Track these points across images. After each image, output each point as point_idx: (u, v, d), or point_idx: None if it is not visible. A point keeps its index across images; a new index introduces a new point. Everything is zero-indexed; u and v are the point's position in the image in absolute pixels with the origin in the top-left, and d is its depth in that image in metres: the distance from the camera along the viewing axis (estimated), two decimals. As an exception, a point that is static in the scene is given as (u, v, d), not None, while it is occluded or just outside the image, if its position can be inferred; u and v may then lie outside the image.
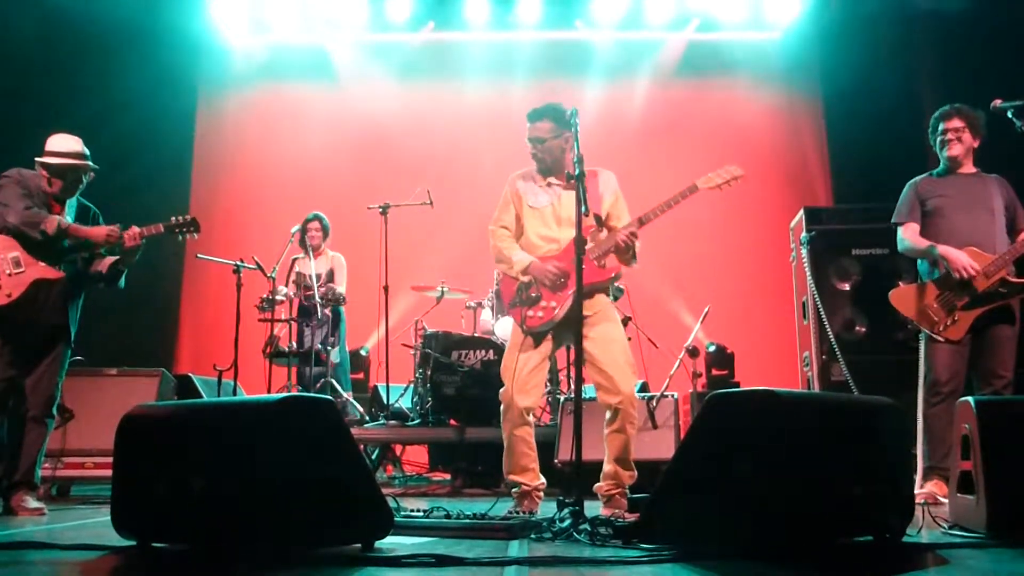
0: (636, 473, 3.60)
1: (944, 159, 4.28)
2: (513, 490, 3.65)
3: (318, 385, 6.11)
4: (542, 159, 3.71)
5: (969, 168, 4.27)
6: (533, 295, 3.58)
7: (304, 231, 6.38)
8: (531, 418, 3.61)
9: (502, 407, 3.60)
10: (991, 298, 4.02)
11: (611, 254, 3.59)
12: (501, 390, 3.62)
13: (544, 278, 3.57)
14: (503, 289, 3.83)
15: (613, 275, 3.61)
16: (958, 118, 4.23)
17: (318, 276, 6.27)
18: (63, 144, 4.05)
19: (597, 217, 3.63)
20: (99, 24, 7.06)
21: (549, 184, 3.73)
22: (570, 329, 3.52)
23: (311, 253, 6.28)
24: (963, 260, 4.00)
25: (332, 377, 6.19)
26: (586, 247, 3.55)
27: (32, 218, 3.86)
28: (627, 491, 3.60)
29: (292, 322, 6.11)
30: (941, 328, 4.07)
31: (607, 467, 3.58)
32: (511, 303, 3.67)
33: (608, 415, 3.56)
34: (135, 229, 3.98)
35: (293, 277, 6.41)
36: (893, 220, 4.34)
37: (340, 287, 6.40)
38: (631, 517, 3.24)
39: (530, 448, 3.61)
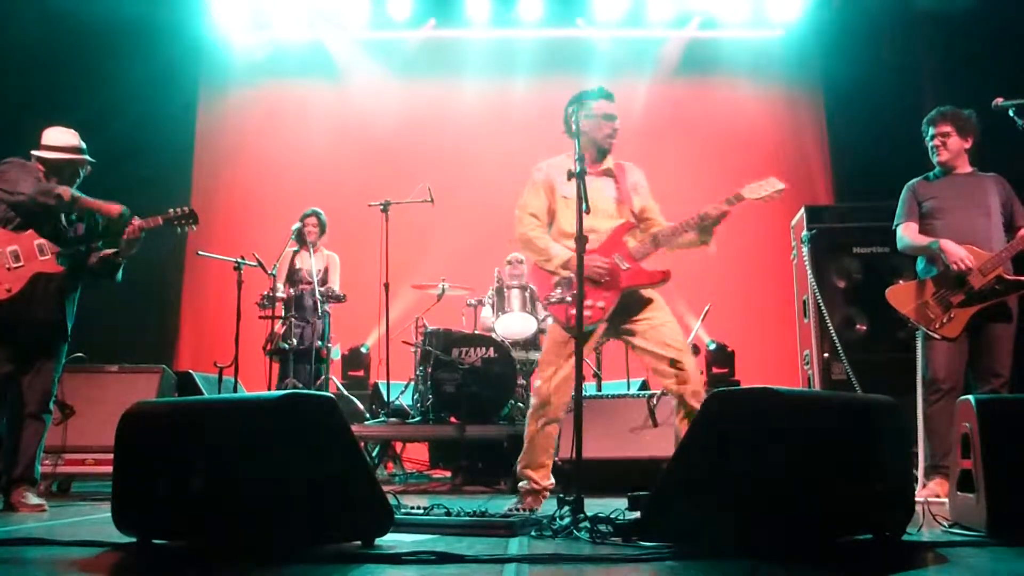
0: None
1: (934, 163, 4.30)
2: (521, 483, 3.63)
3: (318, 383, 6.11)
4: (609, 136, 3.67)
5: (965, 168, 4.28)
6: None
7: (302, 227, 6.38)
8: (562, 415, 3.59)
9: (535, 401, 3.55)
10: (987, 295, 4.03)
11: (651, 254, 3.54)
12: (535, 384, 3.57)
13: (590, 274, 3.47)
14: (535, 281, 3.71)
15: (661, 278, 3.55)
16: (943, 123, 4.24)
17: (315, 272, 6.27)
18: (59, 138, 4.04)
19: (632, 211, 3.62)
20: (100, 21, 7.05)
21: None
22: (612, 324, 3.52)
23: (311, 249, 6.28)
24: (960, 253, 4.01)
25: (312, 375, 6.17)
26: (629, 246, 3.55)
27: (45, 187, 3.87)
28: None
29: (293, 319, 6.11)
30: (937, 325, 4.08)
31: None
32: (550, 299, 3.55)
33: (675, 403, 3.51)
34: (135, 222, 3.98)
35: (286, 271, 6.39)
36: (894, 224, 4.35)
37: (335, 287, 6.40)
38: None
39: (551, 446, 3.59)
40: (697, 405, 3.39)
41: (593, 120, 3.65)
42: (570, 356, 3.48)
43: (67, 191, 3.90)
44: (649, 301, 3.59)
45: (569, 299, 3.48)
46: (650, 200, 3.76)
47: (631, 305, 3.55)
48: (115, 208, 3.94)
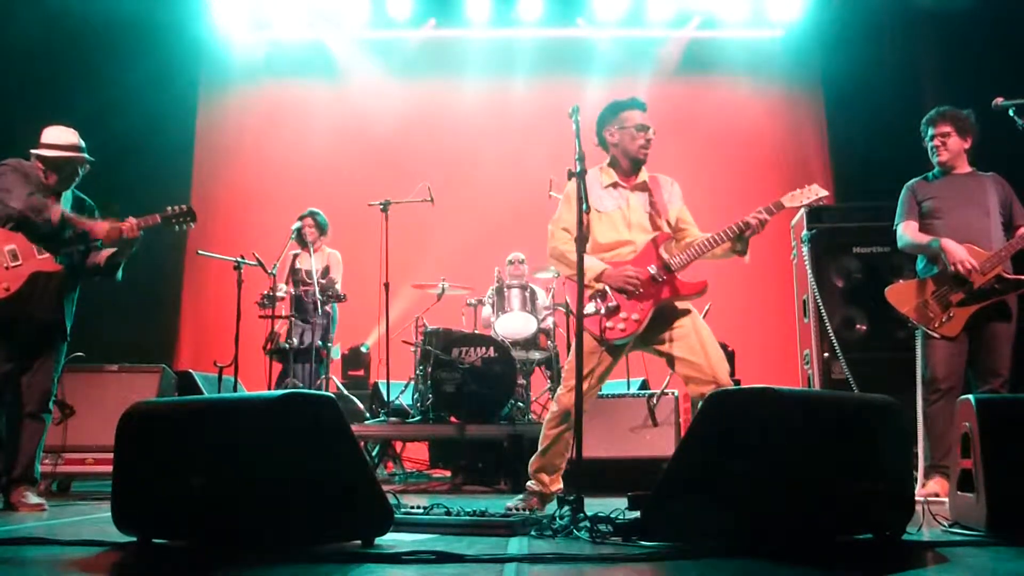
0: None
1: (934, 164, 4.30)
2: (530, 484, 3.61)
3: (318, 382, 6.12)
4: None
5: (964, 168, 4.29)
6: (611, 304, 3.45)
7: (302, 226, 6.38)
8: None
9: (556, 409, 3.52)
10: (987, 295, 4.03)
11: (687, 266, 3.51)
12: (559, 392, 3.54)
13: (626, 286, 3.44)
14: (569, 295, 3.65)
15: (698, 289, 3.50)
16: (943, 123, 4.24)
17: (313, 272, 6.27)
18: (59, 136, 4.04)
19: (668, 223, 3.60)
20: (100, 21, 7.06)
21: (615, 185, 3.63)
22: (643, 336, 3.48)
23: (311, 249, 6.28)
24: (960, 254, 4.01)
25: (312, 375, 6.17)
26: (664, 258, 3.51)
27: (36, 204, 3.86)
28: None
29: (293, 318, 6.12)
30: (936, 324, 4.08)
31: None
32: (583, 312, 3.49)
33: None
34: (132, 221, 3.97)
35: (287, 272, 6.40)
36: (894, 224, 4.35)
37: (336, 285, 6.40)
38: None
39: (567, 451, 3.56)
40: None
41: (626, 131, 3.59)
42: (596, 367, 3.46)
43: (57, 213, 3.89)
44: (684, 312, 3.53)
45: (603, 311, 3.45)
46: (685, 211, 3.72)
47: (665, 317, 3.49)
48: (101, 228, 3.94)
